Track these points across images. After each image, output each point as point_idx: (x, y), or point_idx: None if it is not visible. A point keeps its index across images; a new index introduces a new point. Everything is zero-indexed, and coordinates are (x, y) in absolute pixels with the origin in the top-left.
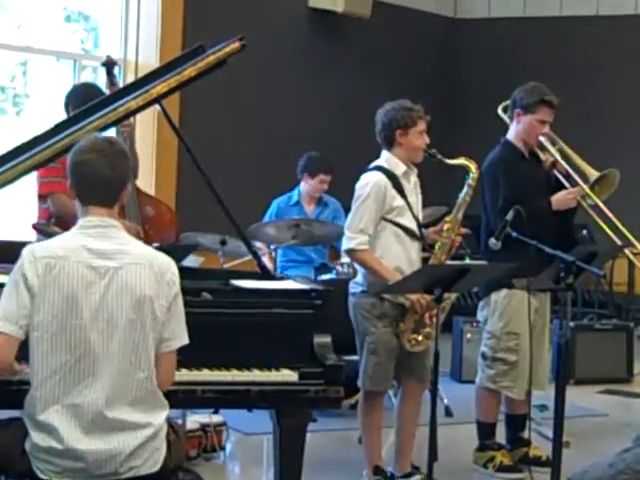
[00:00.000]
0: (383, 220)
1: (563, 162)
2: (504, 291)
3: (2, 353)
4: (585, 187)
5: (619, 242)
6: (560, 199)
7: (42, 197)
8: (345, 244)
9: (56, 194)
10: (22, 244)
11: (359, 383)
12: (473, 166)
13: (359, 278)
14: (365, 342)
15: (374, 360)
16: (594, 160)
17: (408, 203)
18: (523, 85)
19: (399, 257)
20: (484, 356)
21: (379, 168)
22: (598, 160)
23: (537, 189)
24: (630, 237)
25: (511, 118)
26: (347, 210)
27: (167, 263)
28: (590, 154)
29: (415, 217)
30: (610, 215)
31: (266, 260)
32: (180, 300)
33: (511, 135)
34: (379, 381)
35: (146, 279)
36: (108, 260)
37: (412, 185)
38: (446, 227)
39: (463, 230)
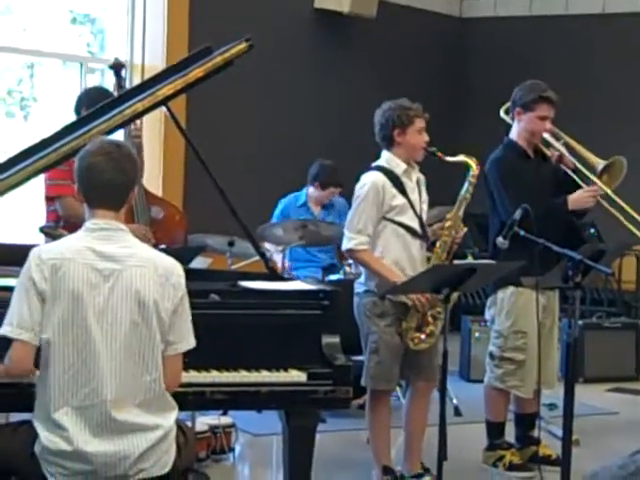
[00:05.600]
0: (383, 219)
1: (569, 155)
2: (510, 289)
3: (22, 360)
4: (600, 183)
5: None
6: (577, 199)
7: (49, 199)
8: (344, 244)
9: (64, 197)
10: (30, 247)
11: (362, 382)
12: (473, 162)
13: (362, 278)
14: (367, 341)
15: (375, 359)
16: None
17: (410, 201)
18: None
19: (399, 253)
20: (492, 355)
21: (378, 168)
22: (603, 158)
23: (542, 187)
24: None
25: (513, 118)
26: None
27: (172, 266)
28: (596, 152)
29: (417, 215)
30: (622, 204)
31: (278, 259)
32: (186, 303)
33: (514, 134)
34: (381, 380)
35: (150, 282)
36: (113, 263)
37: (414, 183)
38: (447, 224)
39: (461, 232)
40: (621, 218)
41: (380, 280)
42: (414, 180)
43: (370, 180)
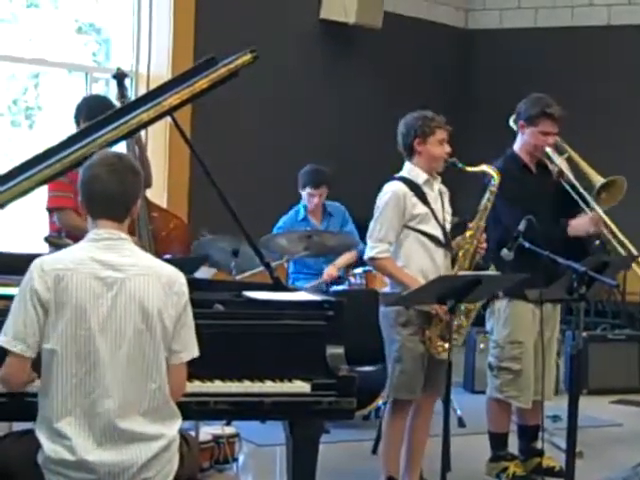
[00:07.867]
0: (406, 228)
1: (569, 173)
2: (505, 299)
3: (15, 371)
4: (600, 211)
5: (634, 252)
6: (577, 226)
7: (49, 211)
8: (367, 253)
9: (62, 210)
10: (34, 257)
11: (385, 392)
12: (495, 173)
13: (387, 288)
14: (391, 350)
15: (399, 368)
16: (606, 172)
17: (432, 210)
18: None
19: (423, 261)
20: (490, 366)
21: (400, 178)
22: (607, 171)
23: (542, 201)
24: (631, 248)
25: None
26: (355, 220)
27: (175, 274)
28: (599, 165)
29: (440, 224)
30: (613, 227)
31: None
32: (190, 311)
33: (517, 146)
34: (404, 389)
35: (153, 290)
36: (116, 271)
37: (436, 193)
38: (468, 234)
39: (484, 242)
40: (614, 243)
41: (403, 288)
42: (436, 190)
43: (391, 189)
